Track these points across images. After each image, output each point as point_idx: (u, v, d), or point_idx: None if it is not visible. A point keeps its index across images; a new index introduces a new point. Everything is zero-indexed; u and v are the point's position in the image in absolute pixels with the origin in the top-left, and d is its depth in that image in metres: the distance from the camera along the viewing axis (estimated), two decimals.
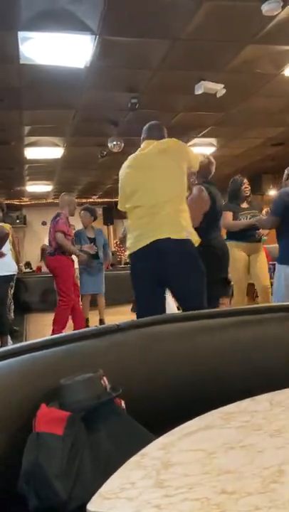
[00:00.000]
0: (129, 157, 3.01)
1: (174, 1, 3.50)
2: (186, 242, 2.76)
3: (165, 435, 0.99)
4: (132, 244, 2.87)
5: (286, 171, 4.00)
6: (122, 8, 3.57)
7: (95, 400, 1.16)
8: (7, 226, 5.63)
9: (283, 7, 3.52)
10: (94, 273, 5.90)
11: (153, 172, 2.86)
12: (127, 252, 3.02)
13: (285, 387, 1.20)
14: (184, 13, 3.69)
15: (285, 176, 4.02)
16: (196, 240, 2.83)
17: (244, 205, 4.69)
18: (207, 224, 3.37)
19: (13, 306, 5.57)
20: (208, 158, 3.68)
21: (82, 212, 6.10)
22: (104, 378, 1.22)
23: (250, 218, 4.55)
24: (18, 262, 5.73)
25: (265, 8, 3.51)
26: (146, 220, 2.81)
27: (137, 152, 3.01)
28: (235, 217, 4.59)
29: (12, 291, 5.34)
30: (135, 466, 0.84)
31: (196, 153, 3.17)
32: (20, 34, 3.86)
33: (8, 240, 4.88)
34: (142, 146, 3.01)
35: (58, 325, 4.96)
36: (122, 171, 3.00)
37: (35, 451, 1.08)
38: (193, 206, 3.14)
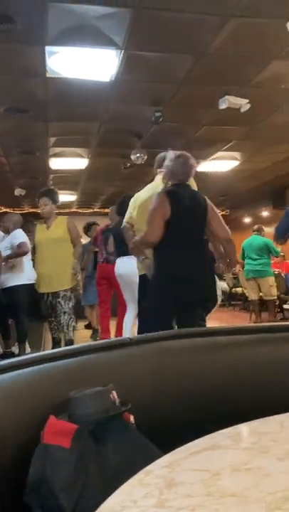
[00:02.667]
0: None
1: (200, 17, 3.54)
2: None
3: (171, 453, 0.97)
4: None
5: None
6: (147, 24, 3.62)
7: (104, 413, 1.16)
8: (64, 219, 4.94)
9: None
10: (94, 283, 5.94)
11: None
12: None
13: None
14: (210, 29, 3.72)
15: None
16: None
17: None
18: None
19: (73, 324, 4.69)
20: (180, 155, 2.96)
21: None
22: (114, 392, 1.21)
23: None
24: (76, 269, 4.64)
25: None
26: None
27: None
28: None
29: (70, 304, 4.58)
30: (138, 484, 0.84)
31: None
32: (48, 48, 3.95)
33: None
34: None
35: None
36: None
37: (42, 462, 1.08)
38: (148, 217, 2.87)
